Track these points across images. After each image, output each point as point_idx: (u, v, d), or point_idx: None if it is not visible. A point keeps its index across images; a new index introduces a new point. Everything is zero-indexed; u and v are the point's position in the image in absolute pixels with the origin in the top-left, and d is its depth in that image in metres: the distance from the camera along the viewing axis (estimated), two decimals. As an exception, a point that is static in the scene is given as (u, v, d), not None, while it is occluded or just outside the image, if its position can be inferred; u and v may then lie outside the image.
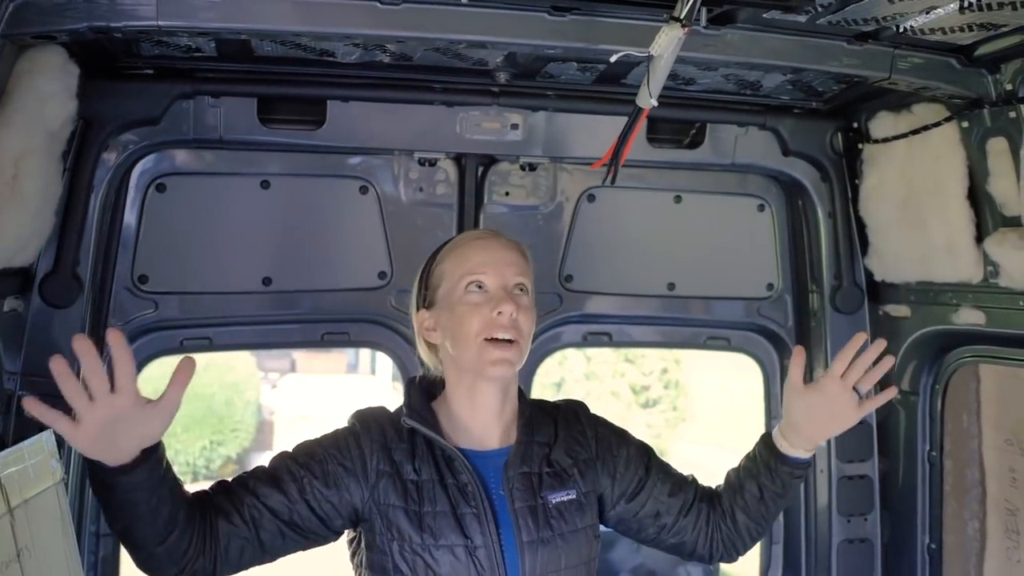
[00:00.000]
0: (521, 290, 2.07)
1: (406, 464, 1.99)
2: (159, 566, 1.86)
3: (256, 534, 1.92)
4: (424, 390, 2.15)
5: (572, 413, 2.22)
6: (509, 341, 2.00)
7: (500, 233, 2.18)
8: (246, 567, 1.97)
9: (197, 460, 15.58)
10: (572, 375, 18.03)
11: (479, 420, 2.07)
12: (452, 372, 2.10)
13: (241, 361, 17.58)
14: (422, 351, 2.20)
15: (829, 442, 3.26)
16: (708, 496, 2.25)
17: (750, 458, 2.23)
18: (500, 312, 2.00)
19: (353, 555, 2.07)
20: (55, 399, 2.59)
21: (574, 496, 2.06)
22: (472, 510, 1.95)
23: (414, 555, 1.92)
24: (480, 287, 2.04)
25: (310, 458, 2.00)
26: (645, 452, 2.25)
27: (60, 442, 2.53)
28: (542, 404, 2.24)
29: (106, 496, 1.79)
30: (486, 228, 2.99)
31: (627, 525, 2.20)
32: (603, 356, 18.07)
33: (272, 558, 1.98)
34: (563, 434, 2.14)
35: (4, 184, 2.26)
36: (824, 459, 3.29)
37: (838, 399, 2.12)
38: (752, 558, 3.57)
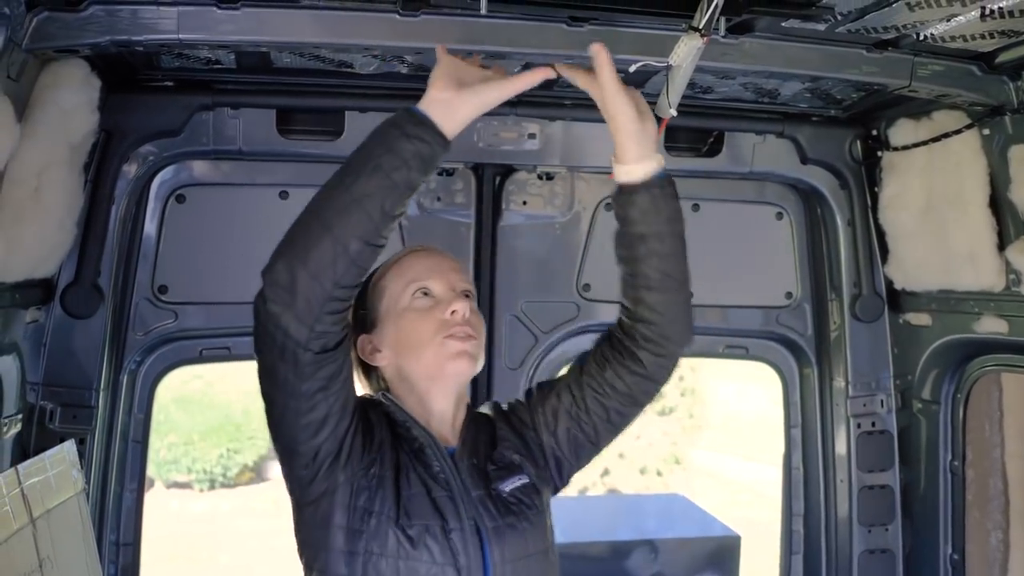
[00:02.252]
0: (468, 296, 2.00)
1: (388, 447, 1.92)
2: (336, 270, 1.71)
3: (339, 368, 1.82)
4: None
5: (496, 416, 2.13)
6: (468, 336, 1.93)
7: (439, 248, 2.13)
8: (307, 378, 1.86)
9: (215, 468, 15.61)
10: (588, 383, 18.00)
11: (432, 427, 1.98)
12: (402, 388, 2.00)
13: (259, 370, 17.59)
14: (359, 379, 2.08)
15: (850, 452, 3.25)
16: (606, 334, 2.11)
17: None
18: (454, 311, 1.93)
19: (303, 544, 1.92)
20: (76, 409, 2.67)
21: (527, 480, 1.97)
22: (446, 493, 1.87)
23: (387, 533, 1.81)
24: (427, 293, 1.97)
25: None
26: (535, 393, 2.14)
27: (80, 452, 2.56)
28: (479, 412, 2.17)
29: (392, 153, 1.80)
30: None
31: (583, 438, 2.07)
32: (620, 364, 17.98)
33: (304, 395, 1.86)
34: (500, 436, 2.05)
35: (27, 196, 2.28)
36: (845, 469, 3.27)
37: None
38: (772, 568, 3.55)
